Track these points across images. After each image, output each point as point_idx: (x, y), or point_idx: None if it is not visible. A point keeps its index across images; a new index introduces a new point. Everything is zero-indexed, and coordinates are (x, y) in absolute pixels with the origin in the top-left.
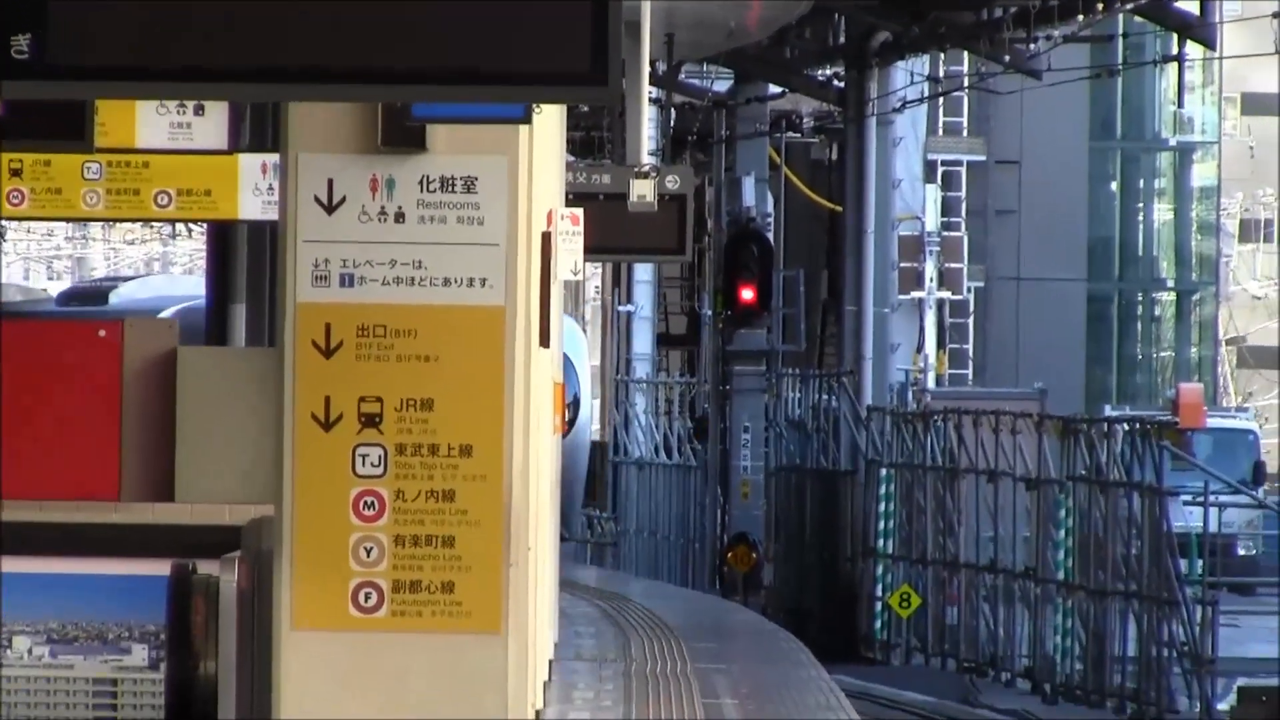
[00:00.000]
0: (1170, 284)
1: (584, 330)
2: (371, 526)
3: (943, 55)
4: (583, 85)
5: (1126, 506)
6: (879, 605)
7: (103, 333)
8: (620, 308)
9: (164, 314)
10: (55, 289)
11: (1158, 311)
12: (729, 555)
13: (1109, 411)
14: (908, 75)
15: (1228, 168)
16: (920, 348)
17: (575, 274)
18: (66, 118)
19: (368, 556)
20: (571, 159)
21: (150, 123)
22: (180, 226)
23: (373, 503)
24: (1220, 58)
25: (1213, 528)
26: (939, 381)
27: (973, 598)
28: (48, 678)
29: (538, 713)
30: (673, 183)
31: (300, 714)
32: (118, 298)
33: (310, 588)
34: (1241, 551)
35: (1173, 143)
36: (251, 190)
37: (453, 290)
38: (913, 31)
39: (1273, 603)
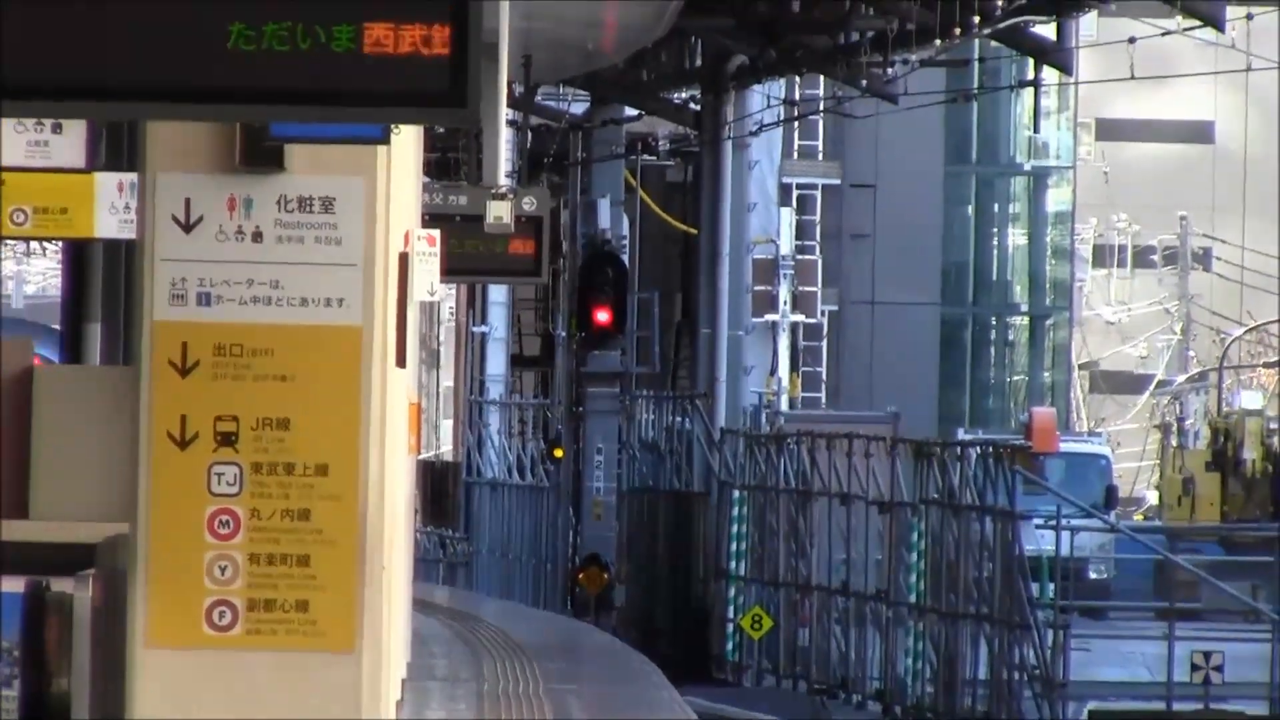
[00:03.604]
0: (1024, 308)
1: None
2: (226, 545)
3: (799, 79)
4: (442, 107)
5: (979, 530)
6: (731, 626)
7: None
8: (475, 328)
9: None
10: None
11: (1011, 336)
12: (581, 576)
13: (962, 435)
14: (764, 98)
15: (1082, 193)
16: (774, 370)
17: (432, 295)
18: None
19: (222, 575)
20: (428, 180)
21: (8, 139)
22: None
23: (228, 521)
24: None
25: (1065, 551)
26: (792, 404)
27: (825, 620)
28: None
29: None
30: (529, 204)
31: None
32: None
33: (164, 605)
34: (1093, 575)
35: (1027, 167)
36: (109, 208)
37: (310, 310)
38: (769, 55)
39: (1124, 626)
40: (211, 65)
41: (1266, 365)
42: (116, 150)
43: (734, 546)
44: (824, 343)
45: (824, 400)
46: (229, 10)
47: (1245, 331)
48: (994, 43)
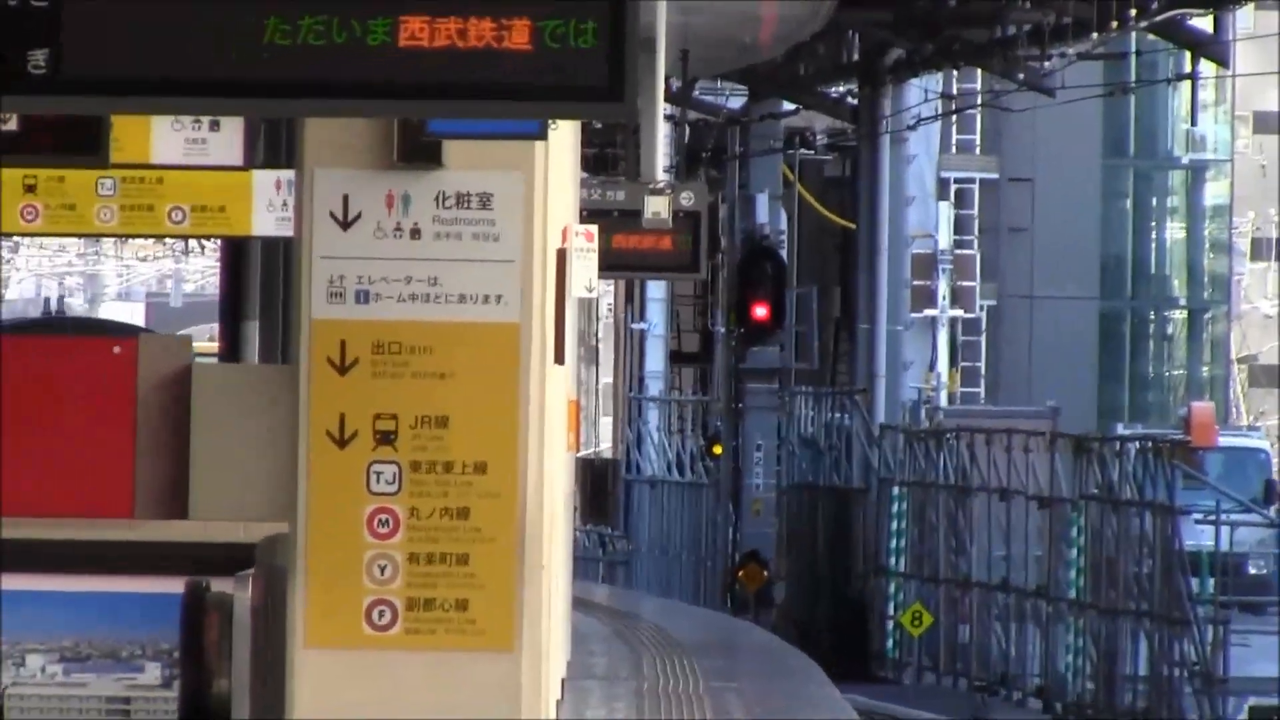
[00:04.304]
0: (1182, 302)
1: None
2: (386, 544)
3: (956, 72)
4: (599, 102)
5: (1138, 525)
6: (890, 624)
7: (117, 349)
8: (633, 325)
9: None
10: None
11: (1170, 330)
12: (740, 573)
13: (1121, 430)
14: (921, 92)
15: (1239, 186)
16: (933, 366)
17: (590, 291)
18: (81, 133)
19: (381, 574)
20: (586, 175)
21: (165, 138)
22: (193, 243)
23: (387, 520)
24: (1233, 76)
25: (1224, 546)
26: (951, 400)
27: (984, 616)
28: (61, 696)
29: None
30: (687, 200)
31: None
32: None
33: (324, 605)
34: (1253, 570)
35: (1185, 161)
36: (266, 206)
37: (468, 307)
38: (926, 49)
39: None
40: (368, 61)
41: None
42: (274, 147)
43: (893, 543)
44: (982, 337)
45: (983, 395)
46: (389, 6)
47: None
48: (1151, 36)
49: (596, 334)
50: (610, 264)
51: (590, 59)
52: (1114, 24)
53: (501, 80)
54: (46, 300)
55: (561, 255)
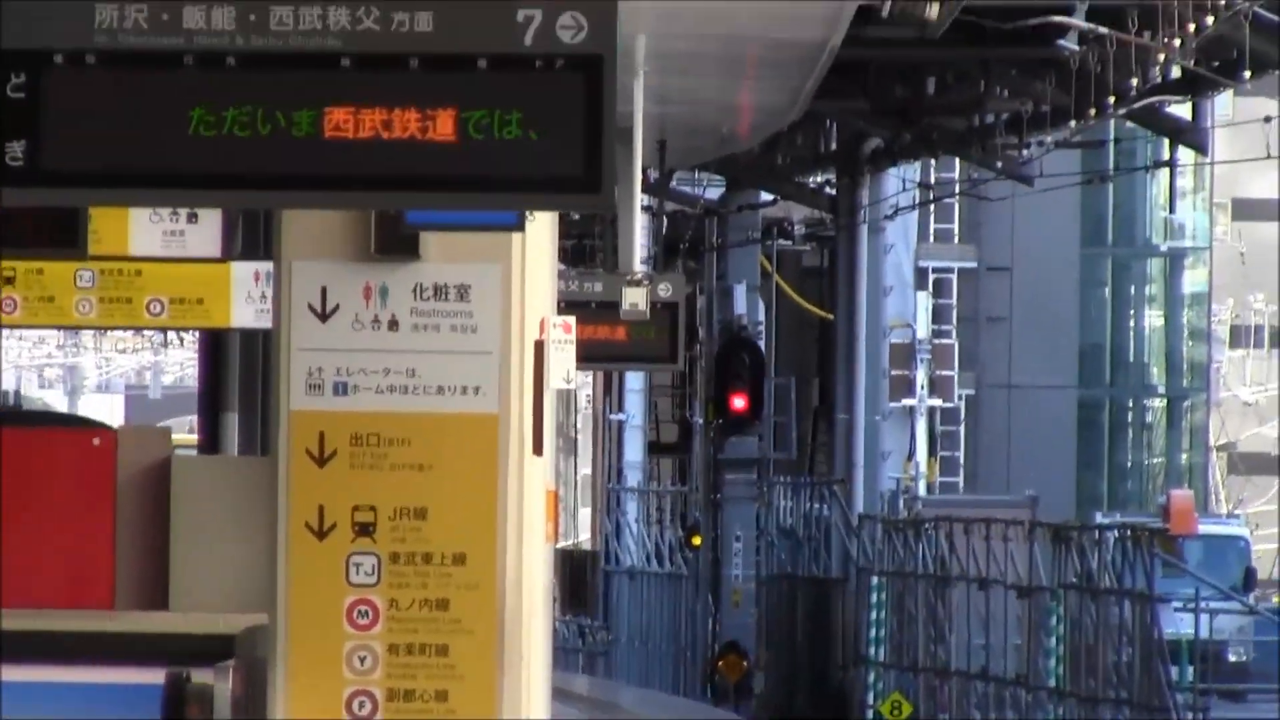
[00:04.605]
0: (1161, 390)
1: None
2: (365, 635)
3: (934, 161)
4: (577, 193)
5: (1118, 613)
6: (870, 713)
7: (97, 440)
8: (611, 416)
9: None
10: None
11: (1149, 418)
12: (720, 663)
13: (1100, 518)
14: (899, 182)
15: (1219, 273)
16: (911, 455)
17: (568, 382)
18: (60, 225)
19: (361, 665)
20: (563, 267)
21: (143, 230)
22: (172, 334)
23: (366, 611)
24: (1212, 163)
25: (1204, 634)
26: (930, 489)
27: (964, 705)
28: None
29: None
30: (665, 290)
31: None
32: None
33: (304, 696)
34: (1232, 658)
35: (1164, 248)
36: (244, 298)
37: (446, 398)
38: (904, 138)
39: (1265, 709)
40: (345, 154)
41: None
42: (252, 239)
43: (873, 632)
44: (961, 427)
45: (961, 484)
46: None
47: None
48: (1129, 123)
49: (575, 425)
50: (588, 355)
51: (567, 150)
52: (1092, 112)
53: (478, 172)
54: (5, 393)
55: (539, 346)
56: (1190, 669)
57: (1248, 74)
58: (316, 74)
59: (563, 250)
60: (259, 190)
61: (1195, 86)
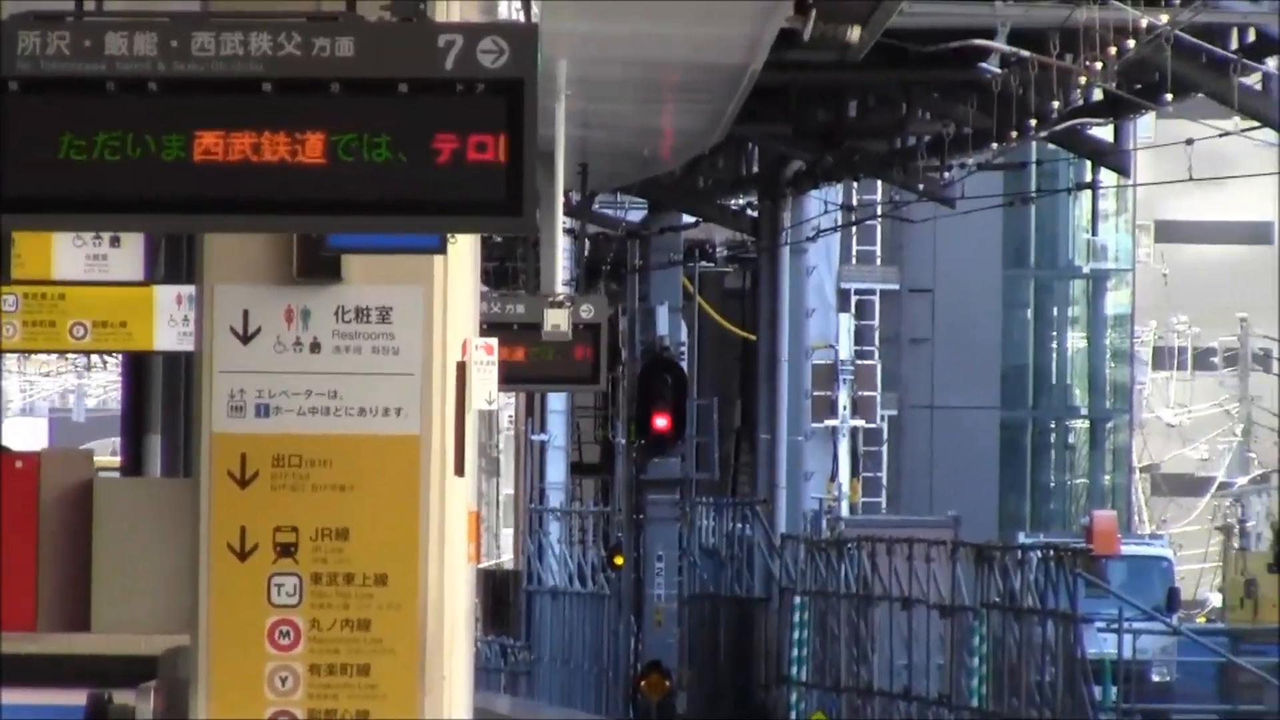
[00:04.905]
0: (1084, 411)
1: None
2: (287, 655)
3: (856, 184)
4: (498, 215)
5: (1041, 633)
6: None
7: (19, 464)
8: (534, 437)
9: None
10: None
11: (1071, 439)
12: (643, 683)
13: (1023, 539)
14: (821, 204)
15: (1141, 295)
16: (834, 475)
17: (490, 403)
18: None
19: (283, 686)
20: (486, 289)
21: (66, 254)
22: (95, 358)
23: (288, 632)
24: (1134, 185)
25: (1127, 654)
26: (853, 509)
27: None
28: None
29: None
30: (587, 312)
31: None
32: None
33: (226, 717)
34: (1156, 678)
35: (1086, 270)
36: (167, 321)
37: (368, 420)
38: (826, 160)
39: None
40: (266, 178)
41: None
42: (175, 263)
43: (795, 652)
44: (884, 447)
45: (884, 505)
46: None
47: None
48: (1051, 145)
49: (497, 445)
50: (510, 376)
51: (489, 173)
52: (1014, 134)
53: (400, 195)
54: None
55: (461, 368)
56: (1114, 689)
57: (1169, 96)
58: (238, 98)
59: (485, 272)
60: (171, 214)
61: (1117, 109)
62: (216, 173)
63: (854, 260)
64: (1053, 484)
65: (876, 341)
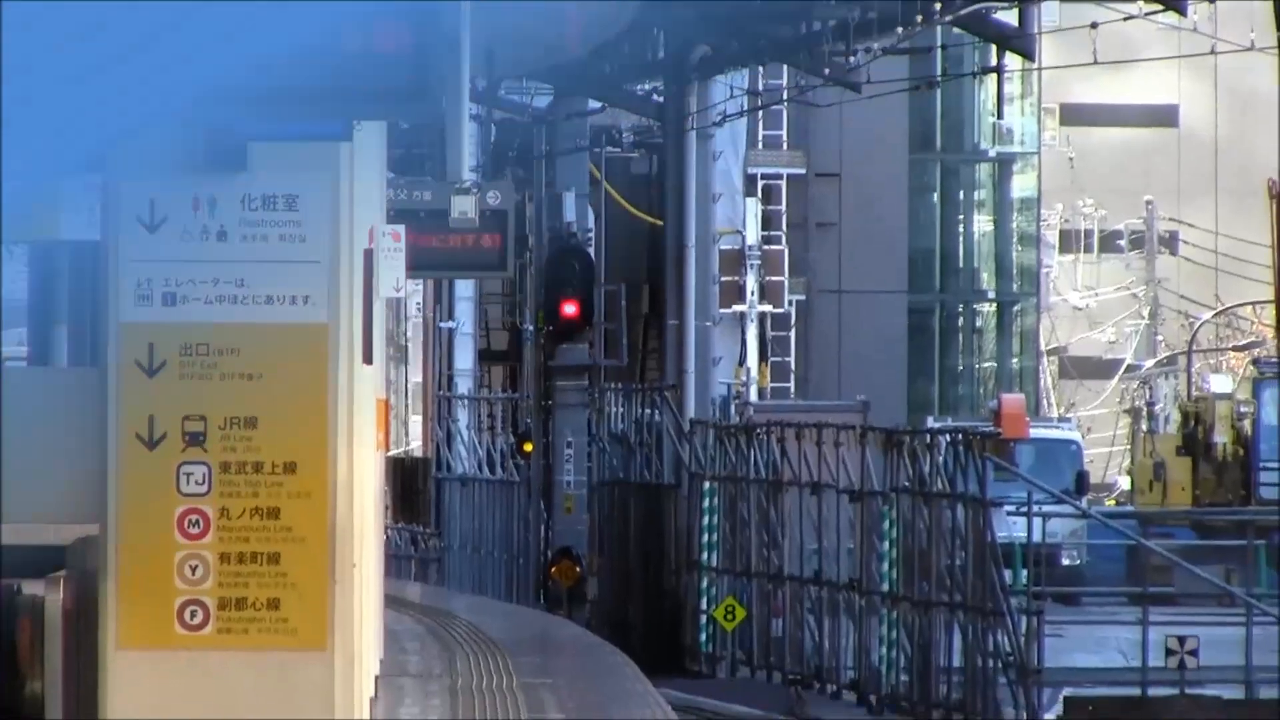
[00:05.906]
0: (991, 295)
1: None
2: (197, 544)
3: (762, 69)
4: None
5: (950, 518)
6: (704, 618)
7: None
8: (442, 324)
9: None
10: None
11: (979, 322)
12: (553, 570)
13: (932, 423)
14: (727, 89)
15: (1047, 179)
16: (742, 361)
17: (398, 291)
18: None
19: (193, 574)
20: (392, 176)
21: None
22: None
23: (197, 521)
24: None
25: (1037, 538)
26: (762, 394)
27: (798, 610)
28: None
29: None
30: (494, 199)
31: None
32: None
33: (136, 607)
34: (1066, 561)
35: (992, 154)
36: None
37: (275, 308)
38: (732, 46)
39: (1098, 613)
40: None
41: (1235, 349)
42: None
43: (705, 538)
44: (792, 333)
45: (793, 390)
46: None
47: (1213, 315)
48: (956, 30)
49: (405, 333)
50: (418, 263)
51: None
52: (919, 19)
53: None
54: None
55: (368, 256)
56: (1024, 573)
57: None
58: None
59: (391, 159)
60: None
61: None
62: None
63: (760, 145)
64: (961, 368)
65: (784, 226)
